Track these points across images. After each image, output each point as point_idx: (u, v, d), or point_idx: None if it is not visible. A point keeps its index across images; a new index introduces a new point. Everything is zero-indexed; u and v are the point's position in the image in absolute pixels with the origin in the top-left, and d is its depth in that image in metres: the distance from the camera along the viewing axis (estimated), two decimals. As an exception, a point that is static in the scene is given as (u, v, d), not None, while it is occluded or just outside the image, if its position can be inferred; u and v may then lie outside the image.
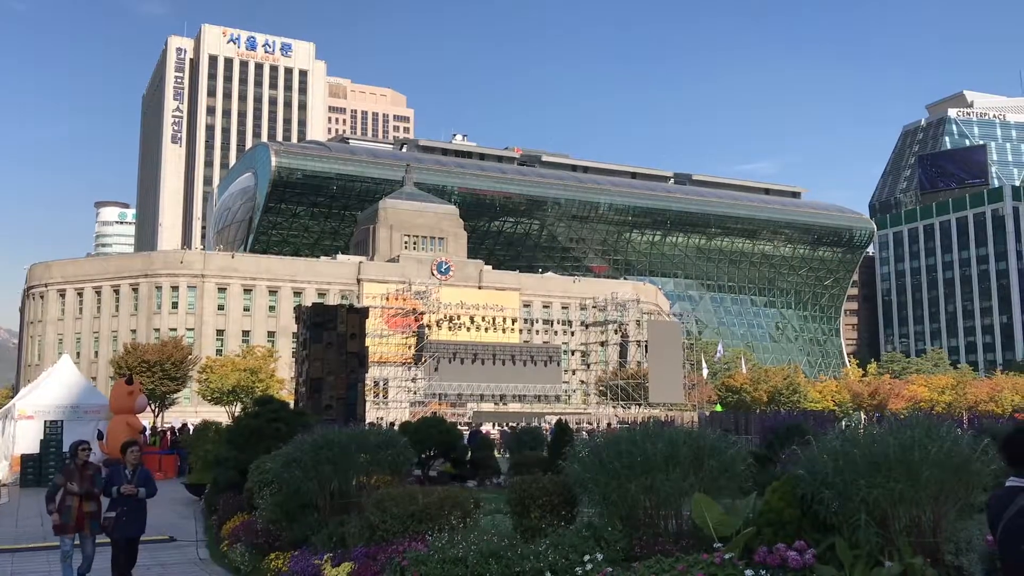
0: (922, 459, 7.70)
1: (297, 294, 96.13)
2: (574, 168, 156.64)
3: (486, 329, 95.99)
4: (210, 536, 17.58)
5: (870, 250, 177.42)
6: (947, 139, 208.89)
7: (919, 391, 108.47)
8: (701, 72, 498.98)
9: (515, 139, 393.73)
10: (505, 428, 57.87)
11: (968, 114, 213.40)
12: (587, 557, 8.84)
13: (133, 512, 11.91)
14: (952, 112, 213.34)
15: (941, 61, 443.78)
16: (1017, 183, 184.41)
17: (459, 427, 35.70)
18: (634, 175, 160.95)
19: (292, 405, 27.44)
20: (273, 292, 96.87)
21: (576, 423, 66.67)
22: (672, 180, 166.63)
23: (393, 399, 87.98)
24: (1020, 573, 4.57)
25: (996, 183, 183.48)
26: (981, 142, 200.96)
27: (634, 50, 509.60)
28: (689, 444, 9.27)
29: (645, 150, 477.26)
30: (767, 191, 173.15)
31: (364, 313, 32.49)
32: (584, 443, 9.82)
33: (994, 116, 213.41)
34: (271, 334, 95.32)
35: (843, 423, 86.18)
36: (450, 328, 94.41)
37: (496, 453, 34.31)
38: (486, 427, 64.04)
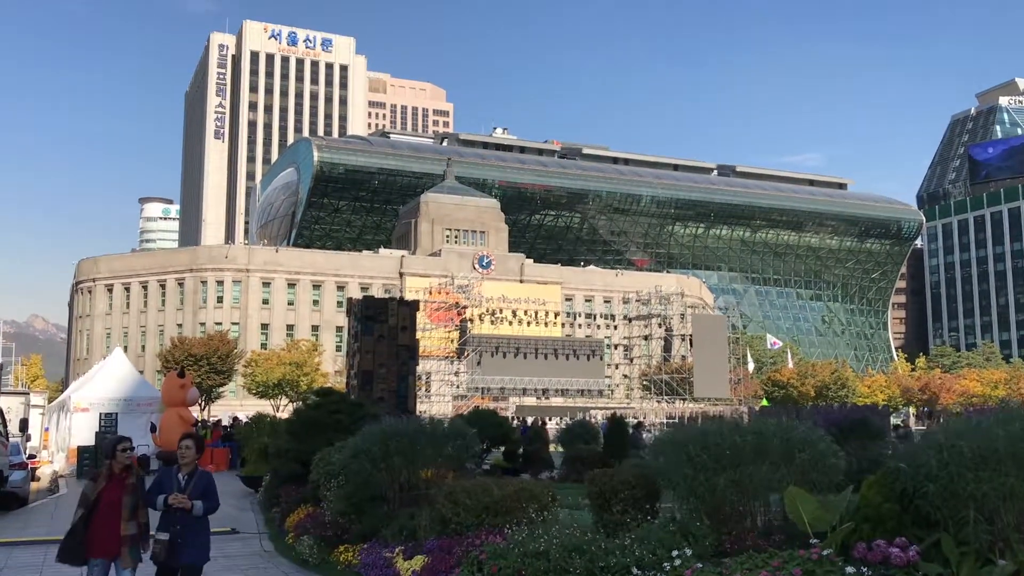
0: (1034, 452, 7.35)
1: (340, 288, 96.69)
2: (615, 160, 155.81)
3: (528, 323, 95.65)
4: (272, 528, 17.57)
5: (918, 242, 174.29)
6: (998, 128, 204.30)
7: (971, 385, 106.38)
8: (744, 64, 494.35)
9: (555, 132, 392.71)
10: (548, 422, 57.57)
11: (1020, 102, 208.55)
12: (675, 552, 8.57)
13: (191, 532, 8.86)
14: (1003, 100, 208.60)
15: (992, 48, 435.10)
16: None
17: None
18: (676, 167, 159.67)
19: (345, 398, 27.47)
20: (317, 286, 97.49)
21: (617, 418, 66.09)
22: (715, 172, 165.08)
23: (436, 393, 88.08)
24: None
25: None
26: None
27: (675, 41, 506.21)
28: (780, 436, 8.97)
29: (687, 142, 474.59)
30: (812, 183, 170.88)
31: (415, 306, 32.41)
32: (668, 435, 9.54)
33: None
34: (315, 328, 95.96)
35: (899, 419, 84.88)
36: (492, 322, 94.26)
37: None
38: (548, 422, 63.74)
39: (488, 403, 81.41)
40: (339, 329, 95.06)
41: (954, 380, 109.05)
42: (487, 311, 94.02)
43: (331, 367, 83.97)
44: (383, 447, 12.46)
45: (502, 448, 29.57)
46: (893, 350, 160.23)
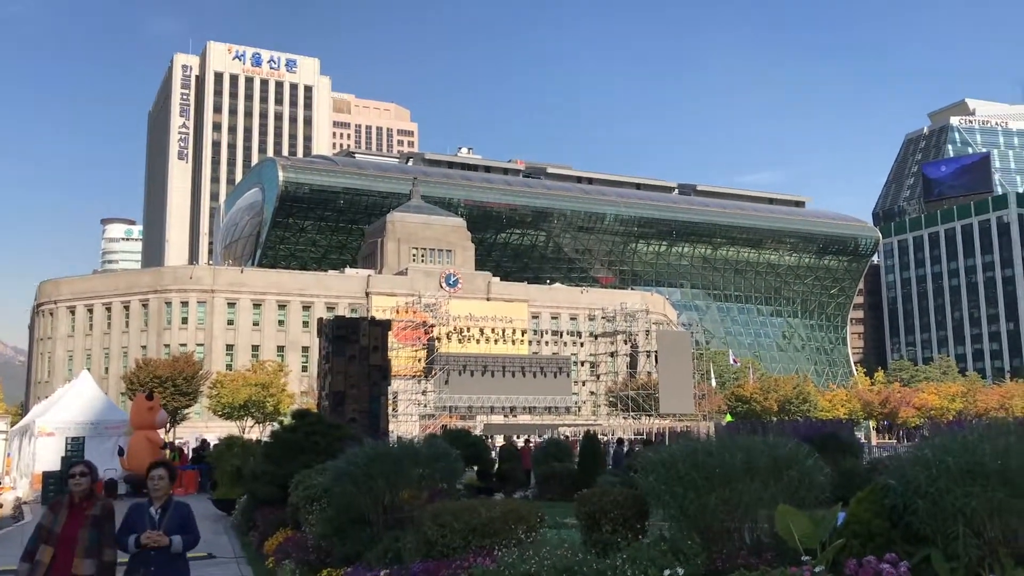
0: (1021, 466, 7.52)
1: (306, 308, 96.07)
2: (579, 180, 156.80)
3: (495, 341, 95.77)
4: (249, 553, 17.37)
5: (875, 259, 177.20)
6: (950, 147, 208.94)
7: (930, 399, 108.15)
8: (704, 84, 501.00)
9: (519, 151, 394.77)
10: (515, 439, 57.49)
11: (970, 122, 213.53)
12: (667, 572, 8.63)
13: (166, 571, 7.90)
14: (954, 120, 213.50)
15: (943, 69, 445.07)
16: (1021, 190, 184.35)
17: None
18: (639, 186, 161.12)
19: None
20: (282, 306, 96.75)
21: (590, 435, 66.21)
22: (676, 191, 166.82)
23: (403, 412, 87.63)
24: None
25: (999, 190, 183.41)
26: (984, 150, 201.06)
27: (637, 63, 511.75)
28: (768, 454, 9.09)
29: (649, 161, 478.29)
30: (771, 201, 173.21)
31: (386, 326, 32.30)
32: (657, 454, 9.61)
33: (996, 124, 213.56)
34: (281, 348, 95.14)
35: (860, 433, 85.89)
36: (460, 340, 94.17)
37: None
38: (517, 439, 63.61)
39: (456, 422, 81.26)
40: (305, 349, 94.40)
41: (913, 394, 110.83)
42: (454, 329, 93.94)
43: (297, 388, 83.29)
44: (366, 469, 12.39)
45: (475, 467, 29.49)
46: (852, 365, 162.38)
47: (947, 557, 7.66)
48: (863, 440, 79.08)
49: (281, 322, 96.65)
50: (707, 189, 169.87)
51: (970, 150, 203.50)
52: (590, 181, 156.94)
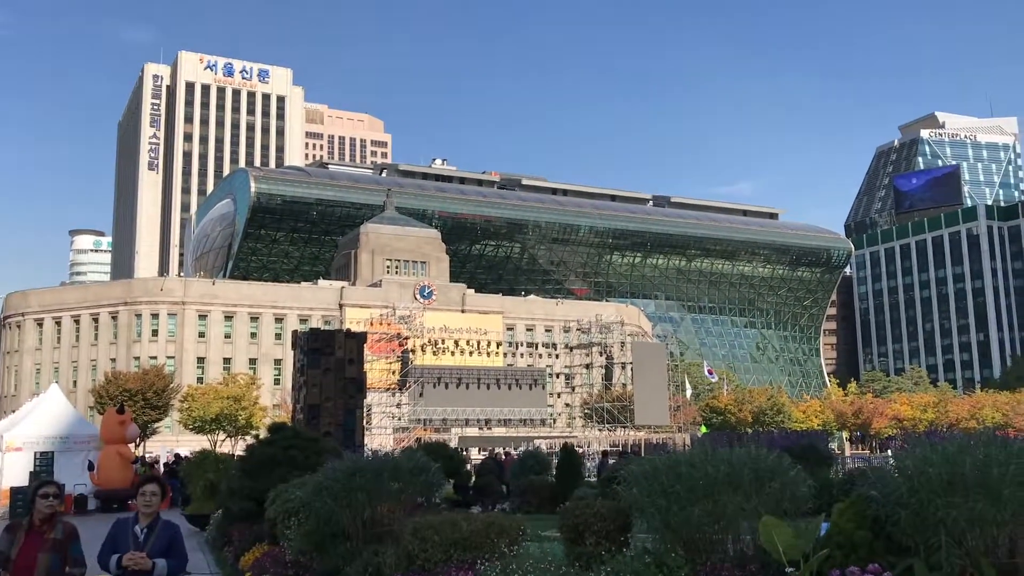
0: (1001, 477, 7.57)
1: (279, 320, 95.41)
2: (553, 191, 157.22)
3: (470, 353, 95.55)
4: (225, 568, 17.14)
5: (847, 270, 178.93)
6: (920, 160, 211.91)
7: (902, 409, 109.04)
8: (679, 96, 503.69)
9: (494, 163, 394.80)
10: (499, 451, 57.33)
11: (940, 135, 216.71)
12: (651, 584, 8.62)
13: None
14: (924, 133, 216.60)
15: (913, 83, 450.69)
16: (989, 202, 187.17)
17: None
18: (613, 198, 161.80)
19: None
20: (254, 319, 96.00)
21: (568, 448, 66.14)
22: (651, 202, 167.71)
23: (377, 425, 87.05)
24: None
25: (969, 203, 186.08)
26: (953, 162, 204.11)
27: (611, 75, 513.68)
28: (751, 465, 9.10)
29: (624, 173, 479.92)
30: (745, 212, 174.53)
31: (362, 339, 32.17)
32: (640, 466, 9.59)
33: (965, 137, 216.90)
34: (253, 361, 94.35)
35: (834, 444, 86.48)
36: (434, 353, 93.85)
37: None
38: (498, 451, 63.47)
39: (430, 435, 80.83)
40: (278, 362, 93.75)
41: (885, 404, 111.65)
42: (429, 342, 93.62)
43: (269, 401, 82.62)
44: (346, 483, 12.28)
45: (452, 481, 29.34)
46: (825, 375, 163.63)
47: (929, 567, 7.70)
48: (837, 451, 79.79)
49: (253, 334, 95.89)
50: (681, 201, 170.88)
51: (940, 163, 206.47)
52: (565, 193, 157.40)
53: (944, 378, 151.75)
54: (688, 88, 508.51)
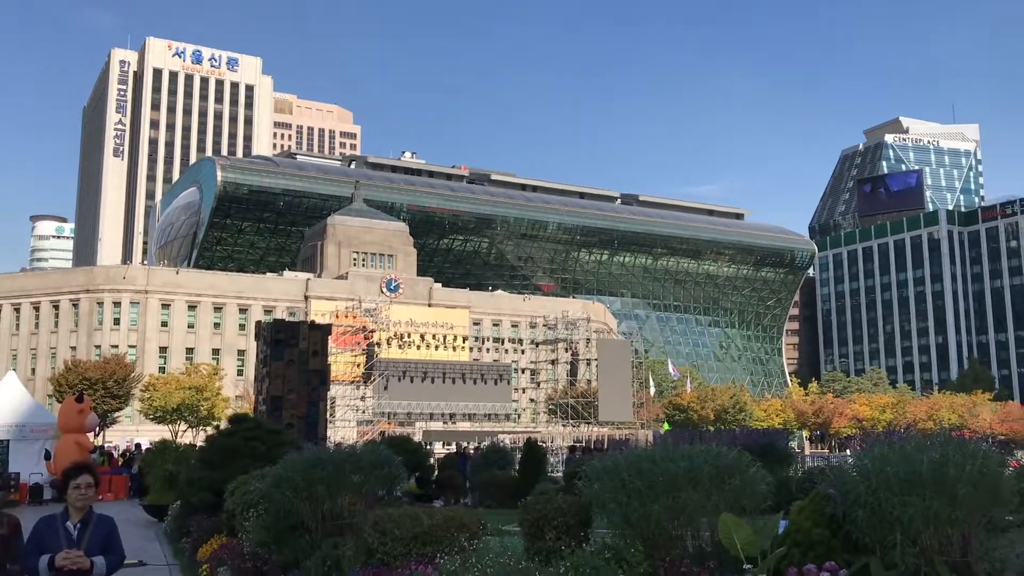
0: (956, 477, 7.67)
1: (243, 311, 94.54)
2: (523, 187, 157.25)
3: (436, 347, 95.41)
4: (182, 560, 16.96)
5: (811, 271, 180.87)
6: (884, 164, 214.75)
7: (861, 410, 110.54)
8: (648, 96, 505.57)
9: (463, 157, 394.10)
10: (465, 446, 57.24)
11: (904, 140, 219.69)
12: (610, 579, 8.62)
13: None
14: (889, 138, 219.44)
15: (879, 88, 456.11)
16: (951, 207, 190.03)
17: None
18: (582, 195, 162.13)
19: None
20: (218, 309, 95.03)
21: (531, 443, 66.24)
22: (619, 201, 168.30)
23: (341, 418, 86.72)
24: None
25: (931, 207, 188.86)
26: (916, 167, 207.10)
27: (583, 73, 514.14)
28: (711, 463, 9.14)
29: (593, 170, 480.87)
30: (711, 212, 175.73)
31: (327, 330, 31.95)
32: (601, 462, 9.61)
33: (928, 142, 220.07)
34: (216, 351, 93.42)
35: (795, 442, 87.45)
36: (400, 346, 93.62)
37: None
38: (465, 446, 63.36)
39: (394, 428, 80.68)
40: (241, 353, 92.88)
41: (845, 404, 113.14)
42: (395, 335, 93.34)
43: (232, 392, 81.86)
44: (306, 475, 12.18)
45: (415, 475, 29.26)
46: (787, 375, 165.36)
47: (885, 566, 7.78)
48: (797, 450, 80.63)
49: (217, 325, 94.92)
50: (649, 199, 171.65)
51: (903, 167, 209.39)
52: (534, 189, 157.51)
53: (903, 379, 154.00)
54: (659, 89, 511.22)
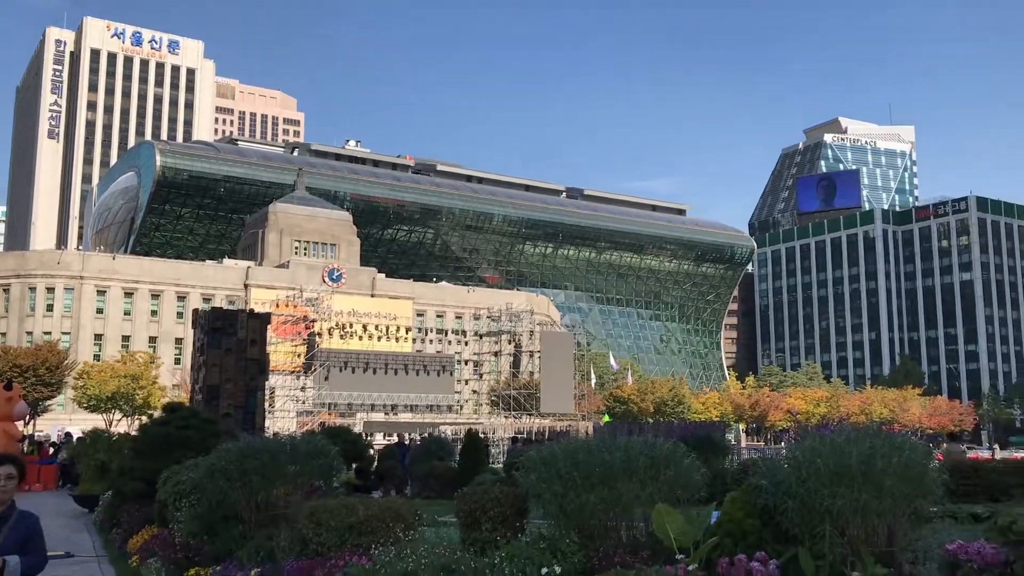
0: (884, 469, 7.84)
1: (181, 299, 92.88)
2: (469, 178, 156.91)
3: (378, 338, 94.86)
4: (112, 551, 16.58)
5: (750, 267, 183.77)
6: (823, 163, 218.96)
7: (797, 403, 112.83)
8: (595, 91, 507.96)
9: (409, 147, 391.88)
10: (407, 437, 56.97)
11: (842, 140, 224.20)
12: (544, 570, 8.66)
13: None
14: (828, 137, 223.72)
15: (820, 87, 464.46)
16: (886, 207, 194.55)
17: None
18: (528, 188, 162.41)
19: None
20: (156, 296, 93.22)
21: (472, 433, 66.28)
22: (564, 194, 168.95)
23: (280, 408, 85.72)
24: None
25: (867, 206, 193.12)
26: (854, 167, 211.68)
27: (530, 66, 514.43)
28: (647, 453, 9.21)
29: (539, 163, 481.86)
30: (654, 208, 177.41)
31: (266, 319, 31.52)
32: (538, 453, 9.63)
33: (866, 143, 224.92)
34: (153, 339, 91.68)
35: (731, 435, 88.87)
36: (341, 336, 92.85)
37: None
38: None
39: (335, 419, 80.00)
40: (179, 341, 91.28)
41: (781, 398, 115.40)
42: (336, 325, 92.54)
43: (169, 381, 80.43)
44: (240, 465, 12.00)
45: (354, 465, 29.07)
46: (725, 369, 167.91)
47: (814, 556, 7.92)
48: (733, 442, 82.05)
49: (154, 312, 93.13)
50: (594, 194, 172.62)
51: (841, 167, 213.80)
52: (480, 180, 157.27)
53: (837, 374, 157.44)
54: (605, 84, 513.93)
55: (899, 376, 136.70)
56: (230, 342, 30.33)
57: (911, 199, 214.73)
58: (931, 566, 8.08)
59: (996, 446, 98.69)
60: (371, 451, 34.89)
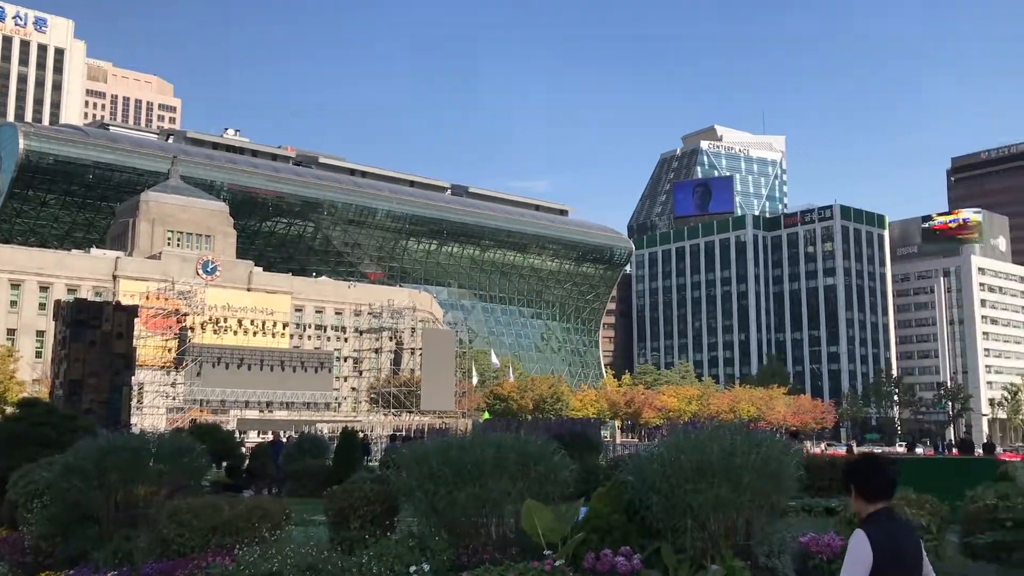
0: (743, 465, 8.14)
1: (44, 289, 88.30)
2: (352, 172, 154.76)
3: (255, 333, 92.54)
4: (-45, 556, 15.59)
5: (628, 268, 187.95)
6: (699, 169, 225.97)
7: (669, 401, 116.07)
8: (483, 90, 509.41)
9: (290, 138, 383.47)
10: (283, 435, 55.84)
11: (718, 147, 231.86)
12: (413, 568, 8.63)
13: None
14: (704, 144, 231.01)
15: (697, 95, 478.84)
16: (757, 213, 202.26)
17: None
18: (412, 183, 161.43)
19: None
20: (16, 286, 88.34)
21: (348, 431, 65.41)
22: (449, 191, 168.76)
23: (149, 405, 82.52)
24: None
25: (739, 212, 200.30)
26: (728, 174, 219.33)
27: (418, 61, 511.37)
28: (517, 450, 9.29)
29: (424, 160, 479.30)
30: (538, 207, 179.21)
31: (133, 312, 30.32)
32: (410, 450, 9.58)
33: (740, 150, 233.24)
34: (11, 332, 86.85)
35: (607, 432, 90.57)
36: (215, 331, 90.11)
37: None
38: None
39: (207, 416, 77.62)
40: (40, 334, 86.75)
41: (655, 396, 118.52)
42: (210, 319, 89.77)
43: (29, 375, 76.33)
44: (98, 463, 11.49)
45: (225, 464, 28.30)
46: (603, 367, 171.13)
47: (676, 549, 8.18)
48: (609, 438, 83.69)
49: (14, 303, 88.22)
50: (479, 192, 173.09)
51: (716, 173, 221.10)
52: (363, 174, 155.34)
53: (709, 373, 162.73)
54: (491, 83, 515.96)
55: (766, 375, 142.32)
56: (94, 335, 29.05)
57: (781, 206, 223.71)
58: (785, 558, 8.46)
59: (853, 442, 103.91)
60: (243, 449, 34.04)
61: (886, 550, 4.14)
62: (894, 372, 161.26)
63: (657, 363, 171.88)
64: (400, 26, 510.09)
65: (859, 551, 4.19)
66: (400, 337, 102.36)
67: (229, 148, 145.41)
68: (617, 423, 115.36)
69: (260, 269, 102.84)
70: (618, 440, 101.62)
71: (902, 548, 4.22)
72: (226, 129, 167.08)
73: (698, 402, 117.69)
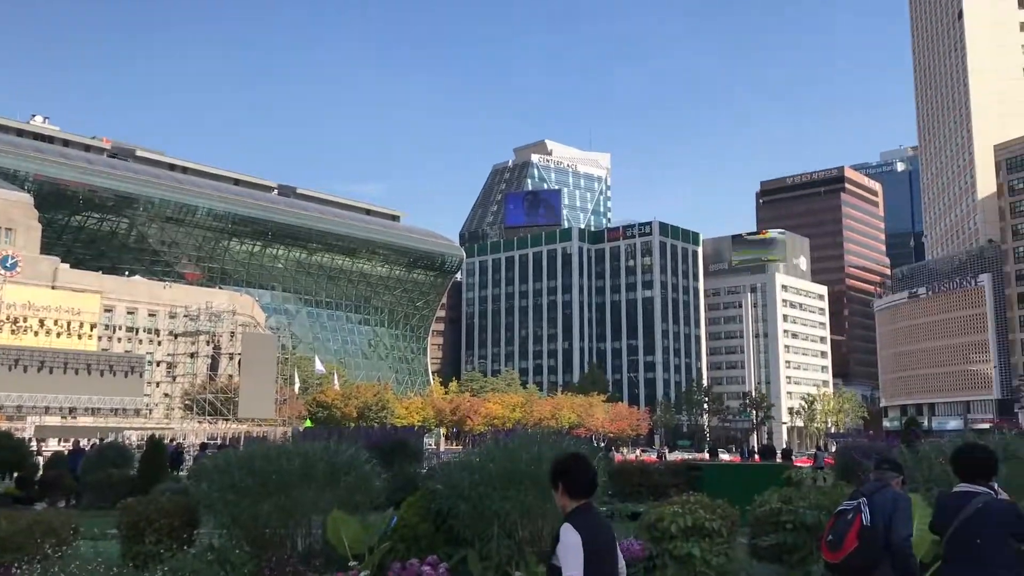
0: (548, 472, 8.27)
1: None
2: (172, 167, 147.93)
3: (58, 334, 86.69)
4: None
5: (459, 276, 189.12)
6: (529, 181, 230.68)
7: (494, 408, 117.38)
8: (315, 90, 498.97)
9: (105, 129, 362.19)
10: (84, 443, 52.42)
11: (547, 161, 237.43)
12: (211, 582, 8.24)
13: None
14: (535, 157, 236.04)
15: (530, 109, 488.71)
16: (583, 226, 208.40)
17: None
18: (237, 182, 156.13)
19: None
20: None
21: (155, 439, 62.24)
22: (276, 191, 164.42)
23: (-68, 410, 75.79)
24: (972, 565, 5.36)
25: (566, 224, 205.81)
26: (557, 187, 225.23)
27: (246, 56, 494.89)
28: (326, 460, 9.08)
29: (251, 158, 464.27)
30: (369, 212, 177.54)
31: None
32: (212, 460, 9.16)
33: (568, 165, 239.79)
34: None
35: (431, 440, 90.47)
36: (13, 331, 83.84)
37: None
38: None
39: (2, 423, 71.99)
40: None
41: (481, 403, 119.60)
42: (7, 319, 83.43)
43: None
44: None
45: (15, 474, 26.22)
46: (430, 374, 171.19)
47: (482, 557, 8.21)
48: (433, 446, 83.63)
49: None
50: (307, 193, 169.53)
51: (546, 186, 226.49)
52: (184, 170, 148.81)
53: (533, 380, 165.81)
54: (325, 83, 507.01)
55: (587, 383, 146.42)
56: None
57: (605, 220, 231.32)
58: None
59: (665, 449, 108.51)
60: (39, 458, 31.75)
61: (590, 540, 4.80)
62: (705, 382, 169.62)
63: (484, 371, 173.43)
64: (228, 23, 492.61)
65: (572, 541, 4.79)
66: (218, 341, 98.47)
67: (36, 135, 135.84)
68: (443, 431, 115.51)
69: (66, 266, 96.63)
70: (443, 448, 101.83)
71: (603, 538, 4.92)
72: (33, 115, 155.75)
73: (522, 409, 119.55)
